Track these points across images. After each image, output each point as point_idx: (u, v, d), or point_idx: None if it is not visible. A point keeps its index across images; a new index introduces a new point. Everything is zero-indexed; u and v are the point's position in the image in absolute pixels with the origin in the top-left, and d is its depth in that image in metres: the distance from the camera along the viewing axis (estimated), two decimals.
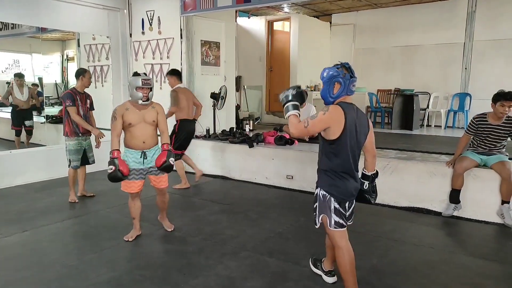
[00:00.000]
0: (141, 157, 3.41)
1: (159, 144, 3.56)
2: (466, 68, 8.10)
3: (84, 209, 4.53)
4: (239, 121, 7.76)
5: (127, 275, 2.92)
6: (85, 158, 4.80)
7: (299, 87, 2.48)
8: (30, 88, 7.44)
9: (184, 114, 5.26)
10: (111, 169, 3.25)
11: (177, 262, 3.16)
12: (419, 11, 8.52)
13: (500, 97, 3.95)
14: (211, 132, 6.47)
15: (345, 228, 2.51)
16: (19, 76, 7.38)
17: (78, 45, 7.77)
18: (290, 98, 2.43)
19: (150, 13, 6.57)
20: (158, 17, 6.50)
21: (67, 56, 11.09)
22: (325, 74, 2.41)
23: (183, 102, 5.22)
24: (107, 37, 6.77)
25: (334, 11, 9.58)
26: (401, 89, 8.66)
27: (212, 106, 6.47)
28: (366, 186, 2.59)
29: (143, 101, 3.34)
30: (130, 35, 6.86)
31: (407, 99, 7.82)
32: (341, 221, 2.46)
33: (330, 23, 9.89)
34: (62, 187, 5.23)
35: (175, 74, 5.41)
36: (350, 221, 2.61)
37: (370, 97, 8.61)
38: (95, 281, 2.83)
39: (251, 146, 5.68)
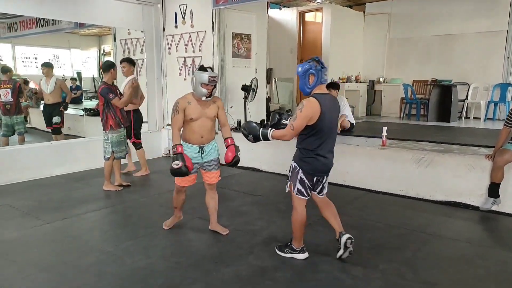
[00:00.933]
0: (198, 152, 3.33)
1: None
2: (508, 57, 7.69)
3: (120, 198, 4.69)
4: (270, 114, 7.75)
5: (162, 262, 3.01)
6: None
7: (254, 122, 2.99)
8: (58, 80, 7.00)
9: (137, 105, 5.51)
10: (178, 164, 3.11)
11: (209, 251, 3.23)
12: None
13: None
14: (242, 123, 6.49)
15: (306, 197, 2.92)
16: (46, 66, 6.94)
17: (114, 40, 7.98)
18: (258, 132, 2.88)
19: (183, 7, 6.66)
20: (191, 10, 6.57)
21: (103, 51, 11.45)
22: (299, 69, 2.77)
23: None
24: (142, 31, 6.92)
25: (368, 0, 9.34)
26: (438, 79, 8.35)
27: (243, 98, 6.50)
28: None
29: (206, 98, 3.22)
30: (164, 29, 6.98)
31: (445, 90, 7.55)
32: (303, 190, 2.88)
33: (364, 12, 9.66)
34: (99, 177, 5.41)
35: (133, 64, 5.48)
36: (321, 194, 3.00)
37: (405, 88, 8.37)
38: (131, 267, 2.93)
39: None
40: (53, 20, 8.09)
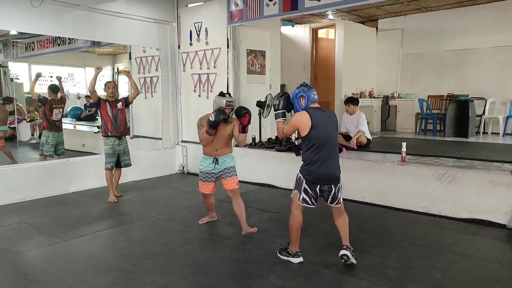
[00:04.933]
0: (213, 162, 3.85)
1: (232, 154, 4.01)
2: None
3: (136, 216, 4.64)
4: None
5: (182, 281, 2.93)
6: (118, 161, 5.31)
7: (285, 93, 3.24)
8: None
9: None
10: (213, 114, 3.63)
11: (230, 270, 3.15)
12: (472, 13, 8.11)
13: None
14: (257, 140, 6.46)
15: (311, 206, 3.12)
16: None
17: (130, 58, 8.07)
18: (280, 107, 3.17)
19: (198, 25, 6.72)
20: (206, 28, 6.64)
21: (117, 69, 11.61)
22: (291, 95, 3.16)
23: None
24: (157, 49, 7.00)
25: (381, 16, 9.35)
26: (455, 94, 8.25)
27: (258, 114, 6.47)
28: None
29: (225, 121, 3.70)
30: (179, 46, 7.05)
31: (462, 105, 7.45)
32: (307, 199, 3.08)
33: (377, 28, 9.67)
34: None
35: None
36: (334, 204, 3.14)
37: (421, 103, 8.27)
38: (151, 287, 2.86)
39: (297, 154, 5.55)
40: (69, 39, 8.24)
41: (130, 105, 7.99)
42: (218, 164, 3.85)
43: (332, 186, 3.08)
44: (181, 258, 3.40)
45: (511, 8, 7.64)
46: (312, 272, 3.05)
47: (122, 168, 5.42)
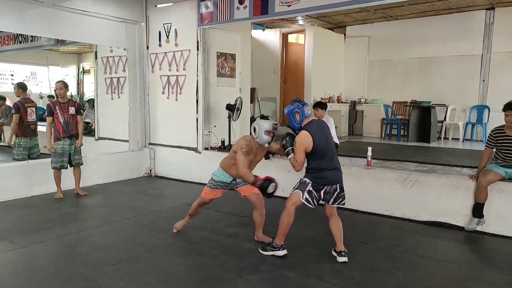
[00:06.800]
0: (231, 182, 3.73)
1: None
2: (484, 80, 8.00)
3: (100, 220, 4.51)
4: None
5: None
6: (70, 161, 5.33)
7: (288, 133, 3.42)
8: None
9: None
10: (274, 186, 3.45)
11: (197, 275, 3.11)
12: (435, 23, 8.46)
13: (505, 107, 3.98)
14: (226, 143, 6.44)
15: (312, 207, 3.28)
16: None
17: (96, 58, 7.85)
18: (288, 145, 3.34)
19: (167, 26, 6.63)
20: (175, 29, 6.56)
21: (83, 68, 11.28)
22: (286, 111, 3.36)
23: None
24: (124, 49, 6.84)
25: (349, 23, 9.58)
26: (418, 101, 8.56)
27: (228, 117, 6.46)
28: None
29: (268, 144, 3.63)
30: (147, 47, 6.93)
31: (424, 111, 7.74)
32: (310, 199, 3.25)
33: (345, 35, 9.89)
34: (77, 198, 5.25)
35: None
36: (338, 202, 3.33)
37: (386, 109, 8.53)
38: None
39: (267, 158, 5.59)
40: (32, 36, 7.93)
41: (95, 106, 7.79)
42: (235, 182, 3.76)
43: (338, 186, 3.28)
44: (147, 264, 3.32)
45: (471, 19, 8.04)
46: (280, 276, 3.07)
47: (81, 167, 5.45)
